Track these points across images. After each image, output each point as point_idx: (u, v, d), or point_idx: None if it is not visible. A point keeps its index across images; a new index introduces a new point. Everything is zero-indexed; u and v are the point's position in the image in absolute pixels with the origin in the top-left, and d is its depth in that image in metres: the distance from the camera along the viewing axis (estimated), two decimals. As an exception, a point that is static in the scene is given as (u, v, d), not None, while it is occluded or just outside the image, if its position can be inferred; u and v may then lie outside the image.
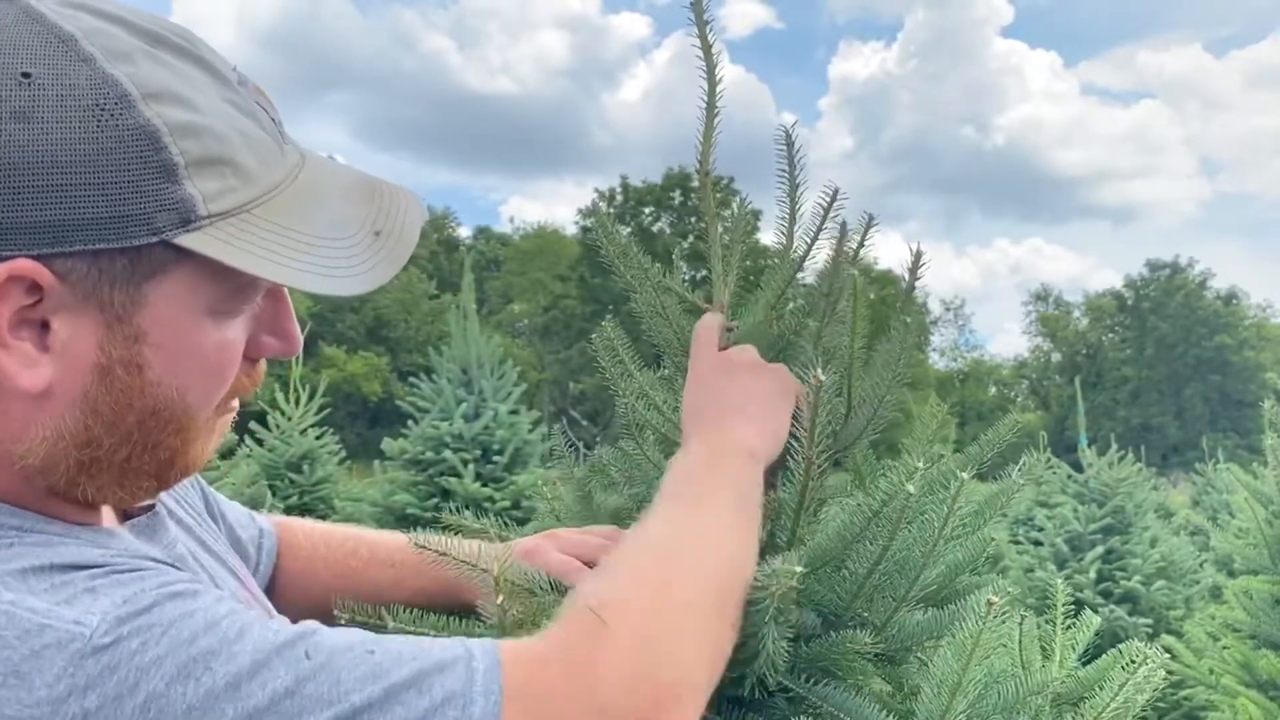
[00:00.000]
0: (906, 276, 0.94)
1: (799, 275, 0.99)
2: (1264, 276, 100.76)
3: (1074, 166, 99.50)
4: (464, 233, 59.03)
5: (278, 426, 6.51)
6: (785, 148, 0.96)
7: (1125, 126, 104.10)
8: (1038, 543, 6.93)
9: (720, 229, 1.03)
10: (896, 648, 0.88)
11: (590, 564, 0.95)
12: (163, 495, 0.84)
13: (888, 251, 0.96)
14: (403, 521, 6.09)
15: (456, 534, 0.92)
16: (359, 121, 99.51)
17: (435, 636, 0.70)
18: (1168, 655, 0.89)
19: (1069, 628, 1.13)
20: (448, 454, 6.42)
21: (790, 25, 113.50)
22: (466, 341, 6.98)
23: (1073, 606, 1.18)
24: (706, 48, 0.95)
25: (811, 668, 0.85)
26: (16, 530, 0.66)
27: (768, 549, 0.87)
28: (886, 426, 0.98)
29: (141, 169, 0.61)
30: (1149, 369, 54.34)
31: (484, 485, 6.32)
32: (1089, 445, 7.12)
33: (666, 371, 1.08)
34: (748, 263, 1.04)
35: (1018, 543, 7.63)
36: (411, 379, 7.18)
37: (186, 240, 0.63)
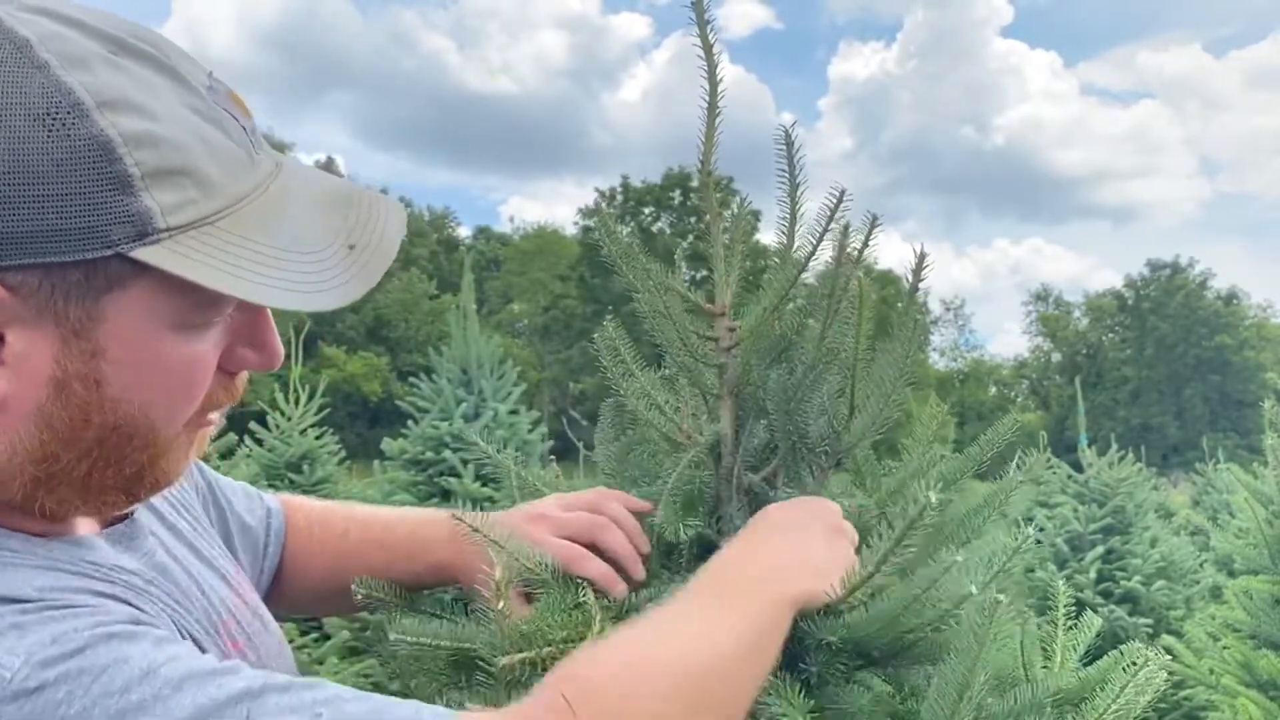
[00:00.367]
0: (909, 277, 0.93)
1: (801, 276, 0.99)
2: (1264, 276, 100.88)
3: (1074, 166, 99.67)
4: (464, 233, 59.17)
5: (277, 426, 6.50)
6: (785, 148, 0.96)
7: (1125, 126, 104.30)
8: (1038, 542, 6.92)
9: (721, 229, 1.03)
10: (906, 660, 0.88)
11: (586, 542, 0.95)
12: (153, 498, 0.82)
13: (888, 251, 0.95)
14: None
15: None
16: (359, 121, 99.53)
17: (394, 697, 0.67)
18: (1168, 655, 0.89)
19: (1070, 628, 1.13)
20: (447, 454, 6.42)
21: (790, 25, 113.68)
22: (466, 341, 6.98)
23: (1073, 607, 1.18)
24: (708, 48, 0.95)
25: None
26: None
27: None
28: (890, 427, 0.98)
29: (95, 180, 0.59)
30: (1149, 369, 54.32)
31: (484, 485, 6.32)
32: (1089, 445, 7.11)
33: (668, 371, 1.08)
34: (748, 263, 1.04)
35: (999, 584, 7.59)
36: (411, 379, 7.18)
37: (143, 254, 0.61)
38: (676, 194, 47.72)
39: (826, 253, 0.96)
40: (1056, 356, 60.94)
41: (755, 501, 1.01)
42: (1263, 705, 3.22)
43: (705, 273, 1.05)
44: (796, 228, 0.99)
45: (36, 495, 0.66)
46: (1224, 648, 3.73)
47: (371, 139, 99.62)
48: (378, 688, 0.84)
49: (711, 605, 0.79)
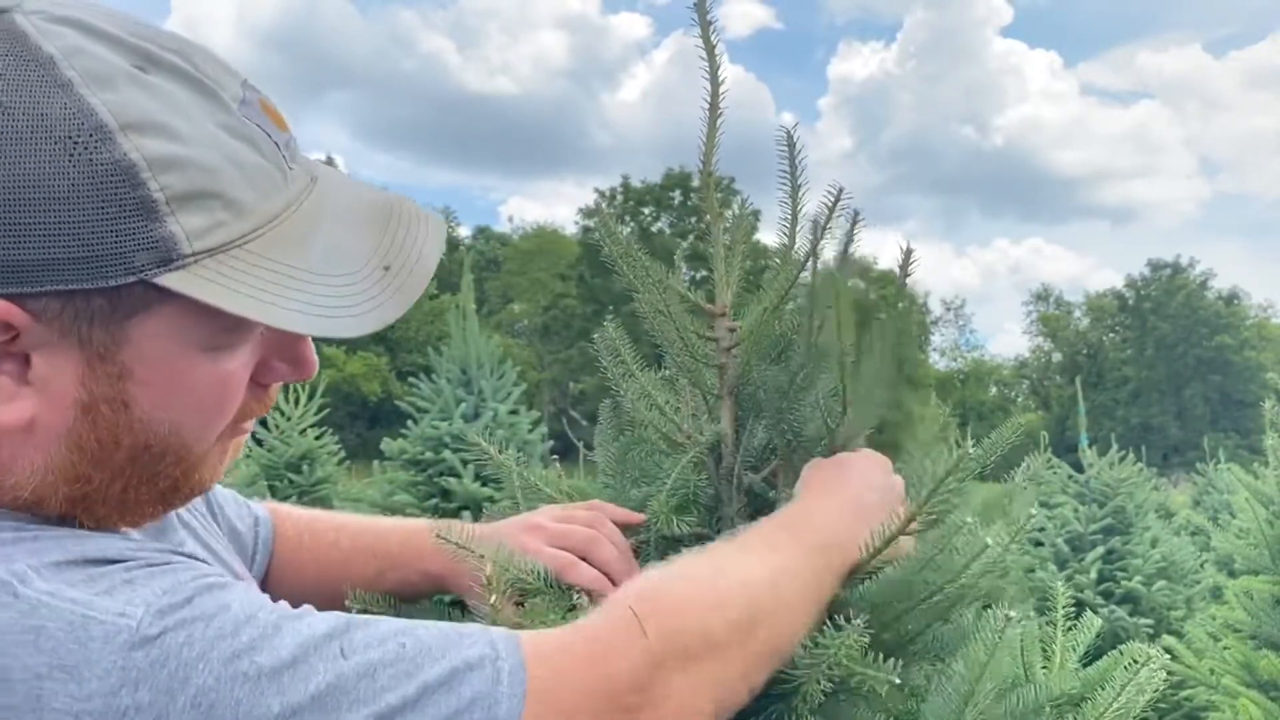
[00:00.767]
0: (898, 273, 0.94)
1: (801, 275, 0.99)
2: (1264, 276, 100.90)
3: (1073, 166, 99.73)
4: (464, 233, 59.07)
5: (277, 427, 6.52)
6: (786, 148, 0.96)
7: (1125, 127, 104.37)
8: (1038, 543, 6.92)
9: (721, 229, 1.03)
10: (911, 655, 0.88)
11: (579, 555, 0.95)
12: None
13: (888, 251, 0.95)
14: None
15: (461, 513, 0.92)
16: (358, 121, 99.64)
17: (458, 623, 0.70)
18: (1168, 655, 0.89)
19: (1070, 629, 1.13)
20: (447, 454, 6.42)
21: (790, 25, 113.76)
22: (466, 341, 6.98)
23: (1073, 607, 1.18)
24: (709, 48, 0.95)
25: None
26: (35, 530, 0.64)
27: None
28: (884, 425, 0.98)
29: (118, 207, 0.58)
30: (1150, 369, 54.34)
31: (484, 485, 6.32)
32: (1090, 445, 7.12)
33: (668, 372, 1.08)
34: (748, 263, 1.04)
35: (1018, 543, 7.60)
36: (411, 379, 7.18)
37: (167, 280, 0.60)
38: (676, 194, 47.78)
39: (826, 253, 0.96)
40: (1057, 356, 60.97)
41: (755, 502, 1.01)
42: (1263, 705, 3.22)
43: (705, 273, 1.05)
44: (797, 228, 0.99)
45: (74, 513, 0.67)
46: (1224, 648, 3.73)
47: (371, 139, 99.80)
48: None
49: (772, 547, 0.83)
